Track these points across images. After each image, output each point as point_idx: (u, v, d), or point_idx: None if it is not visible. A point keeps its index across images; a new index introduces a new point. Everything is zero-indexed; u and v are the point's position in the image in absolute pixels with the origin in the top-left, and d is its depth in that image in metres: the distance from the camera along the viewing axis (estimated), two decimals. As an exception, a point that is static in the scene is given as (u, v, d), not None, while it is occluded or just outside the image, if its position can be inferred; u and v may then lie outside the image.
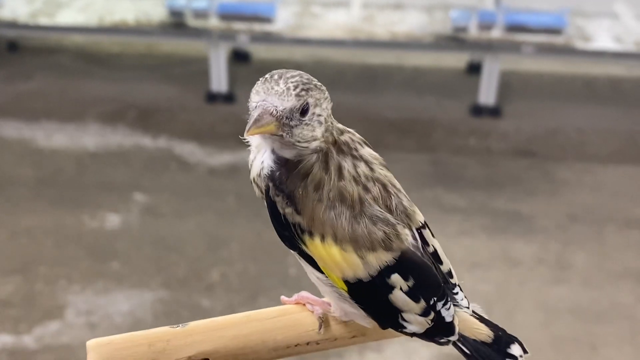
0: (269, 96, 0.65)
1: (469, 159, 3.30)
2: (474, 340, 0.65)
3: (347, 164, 0.65)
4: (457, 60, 4.11)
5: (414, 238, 0.65)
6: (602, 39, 3.54)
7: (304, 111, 0.66)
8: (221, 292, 2.49)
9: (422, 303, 0.63)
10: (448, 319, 0.65)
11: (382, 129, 3.51)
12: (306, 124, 0.66)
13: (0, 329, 2.34)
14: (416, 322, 0.64)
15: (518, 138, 3.46)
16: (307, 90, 0.68)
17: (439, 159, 3.31)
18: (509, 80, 3.91)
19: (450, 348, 2.13)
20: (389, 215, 0.64)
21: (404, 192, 0.68)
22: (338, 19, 3.80)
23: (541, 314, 2.41)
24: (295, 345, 0.64)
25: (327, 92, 0.70)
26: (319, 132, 0.67)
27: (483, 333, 0.65)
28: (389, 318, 0.63)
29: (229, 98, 3.77)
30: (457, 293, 0.67)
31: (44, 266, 2.62)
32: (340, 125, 0.70)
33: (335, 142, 0.66)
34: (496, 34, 3.54)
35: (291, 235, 0.64)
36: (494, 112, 3.62)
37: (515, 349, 0.67)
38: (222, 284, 2.52)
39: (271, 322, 0.65)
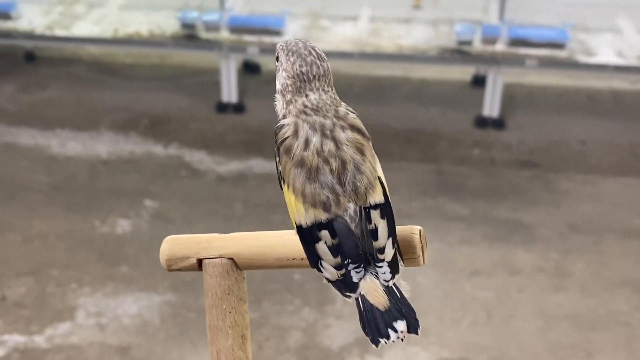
0: None
1: (472, 169, 3.36)
2: (372, 304, 0.77)
3: (315, 139, 0.79)
4: (462, 73, 4.19)
5: (355, 212, 0.78)
6: (605, 53, 3.60)
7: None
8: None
9: (338, 259, 0.77)
10: (354, 280, 0.78)
11: (388, 139, 3.58)
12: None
13: (12, 329, 2.41)
14: (329, 271, 0.78)
15: (521, 149, 3.52)
16: (276, 57, 0.85)
17: (442, 169, 3.37)
18: (513, 92, 3.98)
19: (449, 353, 2.18)
20: (338, 187, 0.78)
21: (369, 176, 0.79)
22: (346, 32, 3.88)
23: (539, 320, 2.46)
24: (293, 259, 0.84)
25: (294, 64, 0.81)
26: (278, 102, 0.83)
27: (380, 301, 0.77)
28: (313, 260, 0.79)
29: (238, 108, 3.86)
30: (380, 267, 0.78)
31: (56, 269, 2.70)
32: (341, 107, 0.83)
33: (303, 114, 0.80)
34: (500, 47, 3.61)
35: (278, 179, 0.81)
36: (498, 124, 3.69)
37: (400, 325, 0.77)
38: (228, 288, 2.59)
39: (278, 240, 0.86)
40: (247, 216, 3.01)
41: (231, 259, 0.86)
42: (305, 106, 0.80)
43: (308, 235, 0.79)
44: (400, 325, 0.77)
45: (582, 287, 2.62)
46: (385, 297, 0.78)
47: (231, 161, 3.42)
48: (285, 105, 0.82)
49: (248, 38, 3.76)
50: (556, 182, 3.25)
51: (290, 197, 0.79)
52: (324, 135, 0.79)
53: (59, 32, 3.90)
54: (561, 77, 4.14)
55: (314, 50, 0.82)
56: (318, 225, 0.78)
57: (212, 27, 3.80)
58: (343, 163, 0.78)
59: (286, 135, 0.80)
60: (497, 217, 3.01)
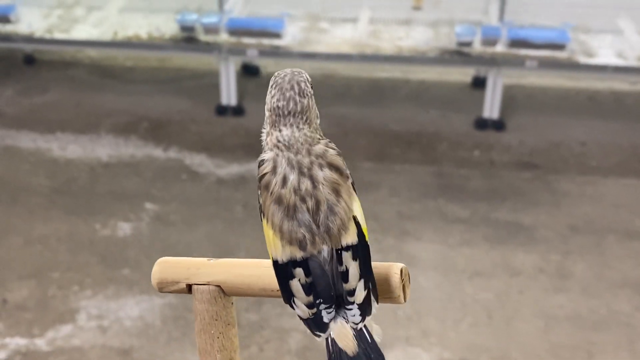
0: None
1: (473, 171, 3.36)
2: (340, 348, 0.78)
3: (292, 177, 0.79)
4: (462, 74, 4.19)
5: (329, 254, 0.78)
6: (605, 54, 3.60)
7: None
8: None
9: (310, 298, 0.78)
10: (325, 320, 0.79)
11: (388, 141, 3.58)
12: None
13: (14, 332, 2.41)
14: (301, 308, 0.79)
15: (521, 151, 3.52)
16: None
17: (443, 170, 3.38)
18: (513, 94, 3.98)
19: (450, 354, 2.18)
20: (314, 227, 0.78)
21: (343, 217, 0.79)
22: (345, 34, 3.89)
23: (540, 321, 2.46)
24: (277, 290, 0.83)
25: (274, 97, 0.81)
26: (264, 133, 0.84)
27: (349, 346, 0.78)
28: (287, 296, 0.80)
29: (238, 111, 3.86)
30: (350, 309, 0.79)
31: (57, 272, 2.70)
32: (319, 144, 0.81)
33: (276, 148, 0.81)
34: (500, 48, 3.61)
35: (259, 211, 0.82)
36: (498, 125, 3.69)
37: None
38: (229, 290, 2.59)
39: (264, 270, 0.87)
40: (248, 219, 3.01)
41: (218, 285, 0.88)
42: (278, 141, 0.81)
43: (283, 271, 0.79)
44: None
45: (583, 288, 2.62)
46: (354, 342, 0.78)
47: (231, 164, 3.42)
48: (265, 137, 0.83)
49: (247, 40, 3.76)
50: (557, 183, 3.25)
51: (268, 232, 0.79)
52: (301, 173, 0.79)
53: (59, 35, 3.90)
54: (561, 78, 4.14)
55: (298, 84, 0.81)
56: (293, 263, 0.79)
57: (211, 29, 3.80)
58: (317, 203, 0.79)
59: (265, 171, 0.81)
60: (497, 218, 3.01)
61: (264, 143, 0.84)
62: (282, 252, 0.79)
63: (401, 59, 3.74)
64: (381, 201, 3.11)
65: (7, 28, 3.95)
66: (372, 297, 0.81)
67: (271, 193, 0.79)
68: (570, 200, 3.13)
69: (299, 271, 0.79)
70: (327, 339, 0.79)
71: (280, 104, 0.81)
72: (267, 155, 0.82)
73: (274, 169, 0.80)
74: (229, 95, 3.84)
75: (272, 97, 0.81)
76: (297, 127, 0.80)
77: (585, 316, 2.48)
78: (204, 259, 0.91)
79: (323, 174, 0.80)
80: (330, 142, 0.83)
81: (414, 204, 3.10)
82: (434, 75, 4.28)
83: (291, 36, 3.81)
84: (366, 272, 0.80)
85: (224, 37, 3.79)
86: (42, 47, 4.30)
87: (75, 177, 3.33)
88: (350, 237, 0.79)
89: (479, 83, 4.03)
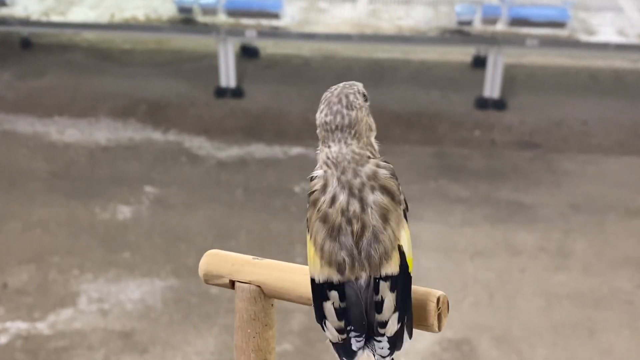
0: None
1: (473, 150, 3.35)
2: None
3: (342, 198, 0.76)
4: (463, 54, 4.16)
5: (366, 282, 0.76)
6: (606, 32, 3.57)
7: None
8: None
9: (342, 323, 0.77)
10: (354, 348, 0.77)
11: (389, 122, 3.57)
12: None
13: (15, 316, 2.41)
14: (331, 332, 0.77)
15: (522, 130, 3.50)
16: None
17: (443, 151, 3.36)
18: (514, 73, 3.96)
19: (452, 334, 2.17)
20: (355, 251, 0.76)
21: (387, 246, 0.77)
22: (344, 14, 3.86)
23: (541, 300, 2.46)
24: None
25: (322, 112, 0.78)
26: (318, 153, 0.79)
27: None
28: (319, 316, 0.78)
29: (237, 93, 3.84)
30: (380, 341, 0.77)
31: (57, 256, 2.70)
32: (369, 164, 0.78)
33: (325, 165, 0.77)
34: (500, 27, 3.58)
35: (306, 227, 0.79)
36: (499, 105, 3.67)
37: None
38: (230, 273, 2.59)
39: (305, 278, 0.83)
40: (248, 202, 3.00)
41: (259, 286, 0.87)
42: (328, 157, 0.77)
43: (319, 291, 0.77)
44: None
45: (584, 266, 2.61)
46: None
47: (231, 146, 3.40)
48: (319, 153, 0.79)
49: (245, 21, 3.74)
50: (558, 162, 3.24)
51: (310, 249, 0.77)
52: (351, 194, 0.76)
53: (55, 18, 3.87)
54: (562, 56, 4.11)
55: (347, 97, 0.78)
56: (330, 285, 0.76)
57: (209, 10, 3.78)
58: (363, 228, 0.75)
59: (315, 188, 0.77)
60: (498, 198, 3.00)
61: (318, 158, 0.80)
62: (321, 272, 0.77)
63: (401, 38, 3.72)
64: (381, 182, 3.09)
65: (3, 11, 3.92)
66: (406, 332, 0.78)
67: (318, 210, 0.76)
68: (571, 179, 3.12)
69: (334, 294, 0.76)
70: None
71: (327, 119, 0.77)
72: (318, 172, 0.78)
73: (324, 187, 0.77)
74: (227, 77, 3.81)
75: (321, 112, 0.78)
76: (345, 142, 0.77)
77: (586, 294, 2.48)
78: (250, 257, 0.89)
79: (374, 198, 0.76)
80: (383, 160, 0.79)
81: (414, 185, 3.09)
82: (435, 55, 4.25)
83: (290, 16, 3.78)
84: (403, 304, 0.77)
85: (222, 18, 3.76)
86: (38, 30, 4.27)
87: (74, 161, 3.32)
88: (391, 268, 0.77)
89: (479, 62, 4.00)
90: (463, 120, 3.60)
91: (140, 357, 2.24)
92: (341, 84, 0.79)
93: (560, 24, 3.55)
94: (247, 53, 4.21)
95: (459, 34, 3.62)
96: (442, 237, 2.76)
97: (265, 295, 0.87)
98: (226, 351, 2.24)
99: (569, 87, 3.89)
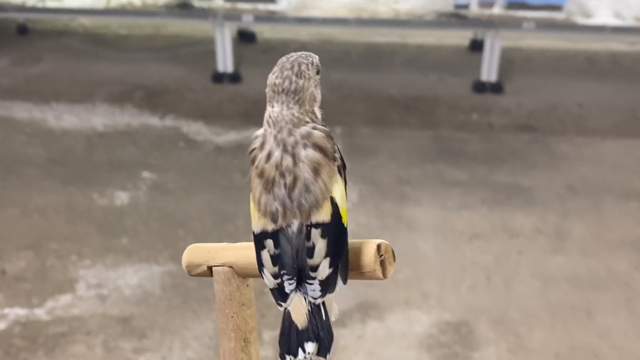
0: None
1: (471, 134, 3.35)
2: (292, 321, 0.82)
3: (276, 154, 0.82)
4: (460, 38, 4.15)
5: (298, 229, 0.81)
6: (603, 14, 3.56)
7: None
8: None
9: (276, 269, 0.82)
10: (287, 290, 0.82)
11: (386, 106, 3.56)
12: None
13: (13, 303, 2.42)
14: (268, 278, 0.83)
15: (519, 113, 3.50)
16: None
17: (441, 134, 3.36)
18: (511, 56, 3.95)
19: (449, 316, 2.18)
20: (288, 201, 0.81)
21: (318, 196, 0.81)
22: (341, -2, 3.84)
23: (539, 282, 2.47)
24: None
25: (273, 74, 0.83)
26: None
27: (300, 320, 0.81)
28: (259, 265, 0.84)
29: (235, 78, 3.83)
30: (311, 284, 0.82)
31: (55, 242, 2.70)
32: (306, 126, 0.83)
33: (266, 123, 0.83)
34: (497, 10, 3.57)
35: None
36: (496, 88, 3.66)
37: (309, 346, 0.81)
38: (228, 257, 2.59)
39: None
40: (246, 187, 2.99)
41: (231, 267, 0.92)
42: (270, 117, 0.83)
43: (257, 242, 0.83)
44: (310, 346, 0.81)
45: (581, 248, 2.62)
46: (306, 317, 0.82)
47: (229, 131, 3.40)
48: (265, 113, 0.86)
49: (242, 6, 3.72)
50: (555, 145, 3.24)
51: (251, 204, 0.83)
52: (285, 150, 0.82)
53: (51, 3, 3.86)
54: (559, 39, 4.10)
55: (299, 65, 0.83)
56: (265, 234, 0.82)
57: (206, -5, 3.76)
58: (295, 180, 0.81)
59: (254, 146, 0.84)
60: (496, 181, 3.00)
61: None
62: (257, 223, 0.82)
63: (398, 22, 3.71)
64: (380, 166, 3.10)
65: (-1, -2, 3.90)
66: (340, 278, 0.83)
67: (256, 167, 0.82)
68: (568, 161, 3.12)
69: (269, 242, 0.82)
70: (284, 310, 0.82)
71: (277, 81, 0.82)
72: (259, 131, 0.84)
73: (262, 145, 0.82)
74: (225, 62, 3.80)
75: (273, 73, 0.83)
76: (287, 105, 0.82)
77: (584, 276, 2.49)
78: (224, 244, 0.95)
79: (305, 153, 0.81)
80: (322, 125, 0.83)
81: (412, 169, 3.09)
82: (432, 39, 4.24)
83: (287, 1, 3.76)
84: (335, 251, 0.81)
85: (218, 2, 3.75)
86: (34, 16, 4.25)
87: (72, 147, 3.32)
88: (322, 216, 0.81)
89: (476, 46, 3.99)
90: (460, 103, 3.59)
91: (138, 342, 2.24)
92: (299, 53, 0.85)
93: (557, 7, 3.54)
94: (244, 38, 4.19)
95: (456, 17, 3.60)
96: (440, 220, 2.77)
97: (238, 275, 0.91)
98: (225, 335, 2.24)
99: (566, 70, 3.89)
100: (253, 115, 3.52)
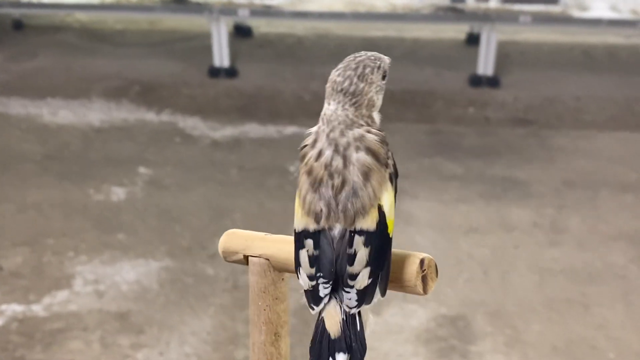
0: None
1: (468, 128, 3.35)
2: (325, 328, 0.79)
3: (327, 153, 0.79)
4: (456, 31, 4.15)
5: (341, 234, 0.79)
6: (599, 7, 3.56)
7: None
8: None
9: (313, 270, 0.79)
10: (321, 294, 0.79)
11: (383, 100, 3.56)
12: None
13: (10, 299, 2.41)
14: (303, 279, 0.80)
15: (516, 107, 3.50)
16: None
17: (438, 128, 3.36)
18: (507, 50, 3.95)
19: (447, 310, 2.18)
20: (333, 203, 0.79)
21: (365, 202, 0.79)
22: (337, -8, 3.84)
23: (536, 275, 2.47)
24: None
25: (337, 70, 0.81)
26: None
27: (333, 329, 0.79)
28: (296, 264, 0.81)
29: (231, 73, 3.82)
30: (348, 292, 0.79)
31: (51, 238, 2.69)
32: (360, 129, 0.80)
33: (321, 120, 0.81)
34: (494, 4, 3.57)
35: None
36: (493, 82, 3.66)
37: (340, 357, 0.79)
38: (225, 252, 2.59)
39: None
40: (243, 181, 3.00)
41: (268, 259, 0.89)
42: (325, 114, 0.81)
43: (297, 241, 0.80)
44: (341, 357, 0.79)
45: (577, 241, 2.62)
46: (340, 326, 0.79)
47: (225, 126, 3.39)
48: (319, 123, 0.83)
49: (238, 0, 3.71)
50: (551, 138, 3.24)
51: (296, 200, 0.81)
52: (336, 151, 0.79)
53: (46, -1, 3.85)
54: (555, 33, 4.10)
55: (364, 68, 0.80)
56: (306, 233, 0.79)
57: (202, -10, 3.75)
58: (343, 182, 0.79)
59: (306, 143, 0.81)
60: (492, 175, 3.00)
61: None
62: (300, 221, 0.80)
63: (394, 16, 3.71)
64: (376, 160, 3.09)
65: (-6, -7, 3.89)
66: (378, 289, 0.80)
67: (305, 163, 0.80)
68: (564, 155, 3.13)
69: (309, 242, 0.79)
70: (318, 316, 0.80)
71: (337, 79, 0.80)
72: (313, 128, 0.82)
73: (314, 143, 0.80)
74: (221, 56, 3.80)
75: (337, 70, 0.81)
76: (343, 106, 0.79)
77: (580, 269, 2.49)
78: (263, 234, 0.92)
79: (357, 156, 0.79)
80: (377, 130, 0.81)
81: (409, 163, 3.09)
82: (428, 33, 4.24)
83: (282, -5, 3.76)
84: (376, 262, 0.79)
85: (213, -3, 3.74)
86: (30, 11, 4.24)
87: (68, 142, 3.31)
88: (367, 223, 0.79)
89: (473, 40, 3.99)
90: (457, 97, 3.59)
91: (136, 338, 2.24)
92: (369, 53, 0.82)
93: (553, 0, 3.54)
94: (241, 32, 4.19)
95: (452, 11, 3.60)
96: (437, 214, 2.77)
97: (274, 268, 0.89)
98: (222, 331, 2.24)
99: (563, 63, 3.89)
100: (249, 109, 3.52)
